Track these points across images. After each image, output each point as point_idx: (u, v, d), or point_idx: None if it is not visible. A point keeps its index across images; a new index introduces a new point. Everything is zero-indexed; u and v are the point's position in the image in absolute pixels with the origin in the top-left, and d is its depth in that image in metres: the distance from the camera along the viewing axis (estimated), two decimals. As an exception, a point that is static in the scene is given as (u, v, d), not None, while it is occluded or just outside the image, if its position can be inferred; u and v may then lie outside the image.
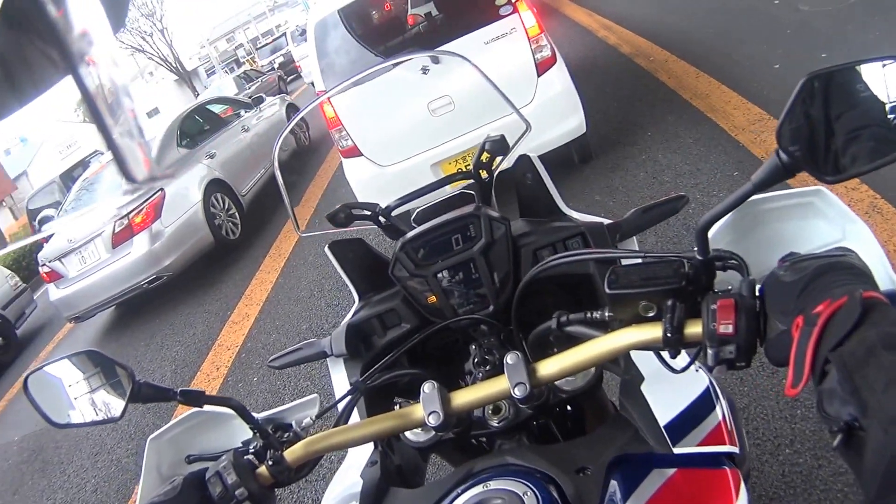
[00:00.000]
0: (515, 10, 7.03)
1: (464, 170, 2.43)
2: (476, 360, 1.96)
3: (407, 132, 7.42)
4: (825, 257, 1.22)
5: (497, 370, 1.79)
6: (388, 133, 7.53)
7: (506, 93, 2.44)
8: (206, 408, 1.83)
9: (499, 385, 1.55)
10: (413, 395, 1.96)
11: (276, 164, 2.74)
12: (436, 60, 7.02)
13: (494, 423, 1.83)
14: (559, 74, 7.16)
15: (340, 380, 2.16)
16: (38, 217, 21.02)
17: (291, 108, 18.44)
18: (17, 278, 16.02)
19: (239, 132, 14.85)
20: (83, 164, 25.57)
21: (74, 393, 1.77)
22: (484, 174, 2.41)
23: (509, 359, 1.53)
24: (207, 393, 1.73)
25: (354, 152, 7.64)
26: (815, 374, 1.00)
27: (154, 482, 1.98)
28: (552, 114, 7.08)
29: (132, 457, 7.53)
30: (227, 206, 12.73)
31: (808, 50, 8.14)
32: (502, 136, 2.31)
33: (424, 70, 7.09)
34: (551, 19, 16.78)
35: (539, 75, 7.07)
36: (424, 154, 7.38)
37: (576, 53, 12.93)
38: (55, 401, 1.77)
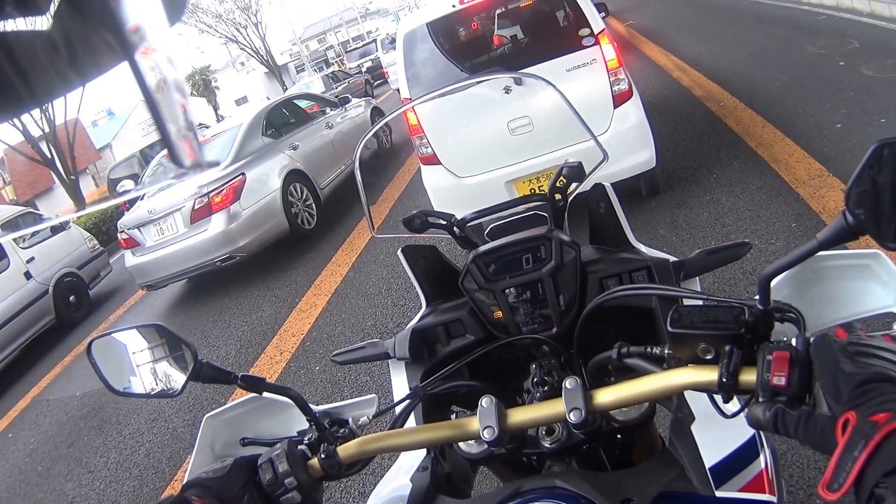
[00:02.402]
0: (597, 43, 7.11)
1: (538, 191, 2.51)
2: (535, 379, 1.86)
3: (485, 147, 7.53)
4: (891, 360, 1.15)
5: (554, 392, 1.77)
6: (466, 146, 7.65)
7: (578, 123, 2.53)
8: (265, 394, 1.85)
9: (555, 407, 1.54)
10: (470, 405, 2.01)
11: (357, 163, 2.71)
12: (518, 82, 7.15)
13: (547, 443, 1.75)
14: (634, 108, 7.24)
15: (400, 383, 2.17)
16: (118, 186, 21.24)
17: (376, 112, 18.42)
18: (96, 241, 16.23)
19: (323, 128, 15.09)
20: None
21: (137, 361, 1.81)
22: (558, 198, 2.40)
23: (568, 383, 1.53)
24: (267, 380, 1.76)
25: (433, 160, 7.81)
26: (860, 490, 0.98)
27: (206, 458, 1.99)
28: (625, 146, 7.14)
29: (188, 427, 7.71)
30: (304, 197, 12.92)
31: (867, 114, 8.27)
32: (580, 164, 2.32)
33: (507, 89, 7.21)
34: (630, 55, 16.81)
35: (615, 107, 7.16)
36: (500, 170, 7.48)
37: (651, 90, 13.01)
38: (117, 368, 1.82)
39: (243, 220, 11.48)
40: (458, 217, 2.53)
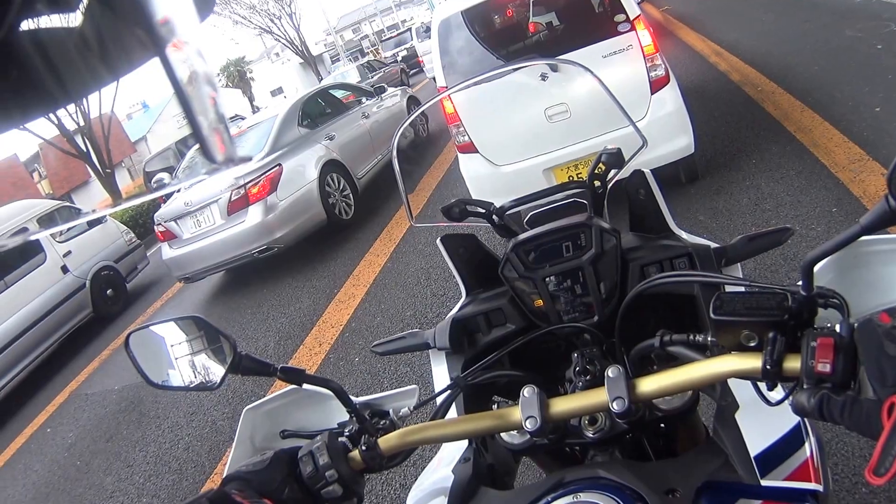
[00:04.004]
0: (633, 28, 7.07)
1: (576, 178, 2.49)
2: (577, 368, 1.83)
3: (522, 135, 7.50)
4: None
5: (596, 381, 1.74)
6: (503, 134, 7.63)
7: (615, 110, 2.46)
8: (305, 386, 1.83)
9: (598, 397, 1.53)
10: (511, 395, 2.02)
11: (395, 152, 2.71)
12: (555, 69, 7.14)
13: (589, 433, 1.75)
14: (672, 94, 7.19)
15: (441, 373, 2.15)
16: (154, 179, 21.34)
17: (412, 101, 18.42)
18: (132, 234, 16.32)
19: (359, 118, 15.03)
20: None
21: (176, 354, 1.80)
22: (597, 185, 2.38)
23: (611, 372, 1.51)
24: (307, 371, 1.75)
25: (470, 148, 7.80)
26: None
27: (246, 451, 1.98)
28: (663, 132, 7.10)
29: (227, 420, 7.72)
30: (341, 187, 12.88)
31: (907, 98, 8.13)
32: (619, 150, 2.30)
33: (543, 77, 7.19)
34: (666, 40, 16.70)
35: (652, 93, 7.12)
36: (538, 158, 7.46)
37: (687, 76, 12.96)
38: (155, 360, 1.82)
39: (280, 211, 11.45)
40: (497, 205, 2.51)
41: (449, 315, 2.22)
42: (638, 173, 2.26)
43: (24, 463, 9.79)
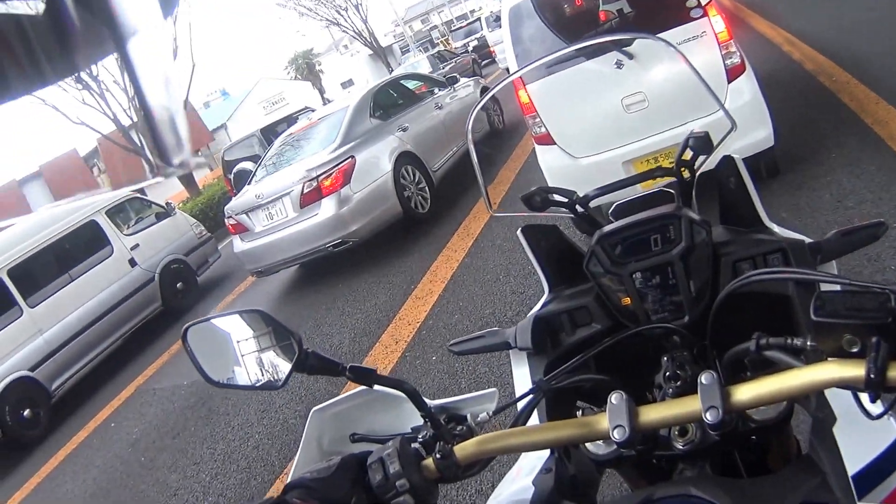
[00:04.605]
0: (706, 14, 6.90)
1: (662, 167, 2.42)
2: (668, 374, 1.73)
3: (599, 126, 7.36)
4: None
5: (687, 388, 1.65)
6: (580, 125, 7.50)
7: (695, 98, 2.37)
8: (377, 387, 1.73)
9: (690, 405, 1.42)
10: (596, 401, 1.91)
11: (470, 137, 2.62)
12: (630, 56, 7.01)
13: (679, 445, 1.63)
14: (748, 83, 7.02)
15: (522, 375, 2.06)
16: (234, 169, 21.33)
17: (485, 91, 17.96)
18: (202, 227, 16.58)
19: (432, 109, 14.81)
20: (288, 119, 25.42)
21: (238, 350, 1.74)
22: (685, 173, 2.29)
23: (704, 378, 1.40)
24: (380, 371, 1.69)
25: (547, 140, 7.68)
26: None
27: (312, 455, 1.93)
28: (740, 124, 6.62)
29: (299, 419, 7.58)
30: (416, 180, 12.59)
31: None
32: (706, 134, 2.21)
33: (619, 64, 7.07)
34: (738, 28, 16.31)
35: (728, 82, 6.93)
36: (616, 150, 7.34)
37: (761, 65, 12.32)
38: (214, 356, 1.77)
39: (355, 203, 11.32)
40: (581, 194, 2.42)
41: (531, 313, 2.12)
42: (728, 160, 2.16)
43: (86, 457, 9.98)
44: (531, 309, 2.18)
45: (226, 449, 7.92)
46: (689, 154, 2.26)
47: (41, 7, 0.68)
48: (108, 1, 0.61)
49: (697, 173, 2.30)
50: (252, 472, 7.17)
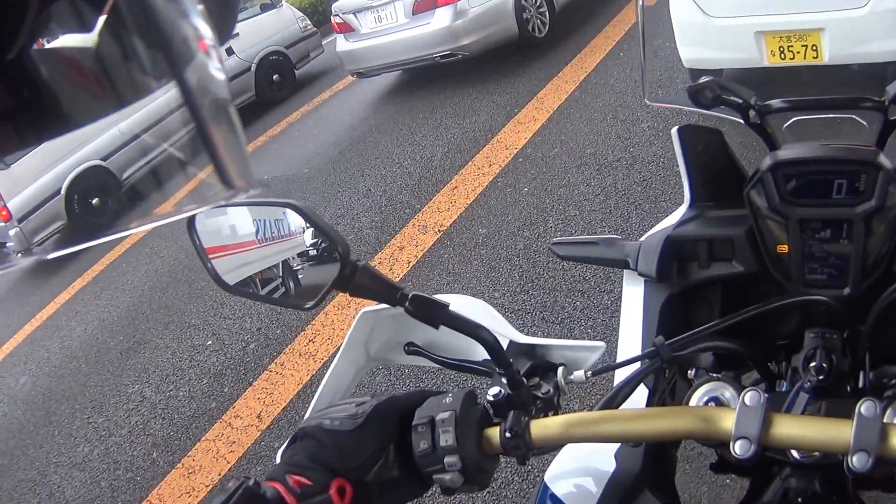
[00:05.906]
0: None
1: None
2: (812, 362, 1.38)
3: None
4: None
5: (831, 390, 1.35)
6: None
7: None
8: (451, 306, 1.31)
9: (837, 433, 1.08)
10: (714, 364, 1.61)
11: (641, 15, 2.22)
12: None
13: (797, 455, 1.33)
14: None
15: (634, 306, 1.79)
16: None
17: None
18: (308, 21, 16.58)
19: None
20: None
21: (265, 253, 1.42)
22: (890, 110, 1.68)
23: (864, 409, 1.07)
24: (451, 307, 1.30)
25: None
26: None
27: (356, 358, 1.73)
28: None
29: (373, 230, 7.66)
30: (538, 3, 11.83)
31: None
32: None
33: None
34: None
35: None
36: (753, 18, 6.56)
37: None
38: (231, 255, 1.43)
39: (470, 18, 10.90)
40: (760, 101, 1.85)
41: (660, 227, 1.82)
42: None
43: (152, 248, 10.29)
44: (661, 219, 1.93)
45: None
46: None
47: (94, 40, 0.62)
48: (164, 29, 0.58)
49: None
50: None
